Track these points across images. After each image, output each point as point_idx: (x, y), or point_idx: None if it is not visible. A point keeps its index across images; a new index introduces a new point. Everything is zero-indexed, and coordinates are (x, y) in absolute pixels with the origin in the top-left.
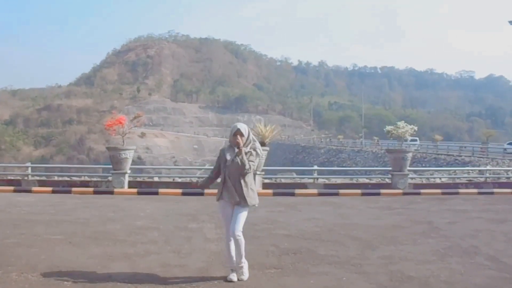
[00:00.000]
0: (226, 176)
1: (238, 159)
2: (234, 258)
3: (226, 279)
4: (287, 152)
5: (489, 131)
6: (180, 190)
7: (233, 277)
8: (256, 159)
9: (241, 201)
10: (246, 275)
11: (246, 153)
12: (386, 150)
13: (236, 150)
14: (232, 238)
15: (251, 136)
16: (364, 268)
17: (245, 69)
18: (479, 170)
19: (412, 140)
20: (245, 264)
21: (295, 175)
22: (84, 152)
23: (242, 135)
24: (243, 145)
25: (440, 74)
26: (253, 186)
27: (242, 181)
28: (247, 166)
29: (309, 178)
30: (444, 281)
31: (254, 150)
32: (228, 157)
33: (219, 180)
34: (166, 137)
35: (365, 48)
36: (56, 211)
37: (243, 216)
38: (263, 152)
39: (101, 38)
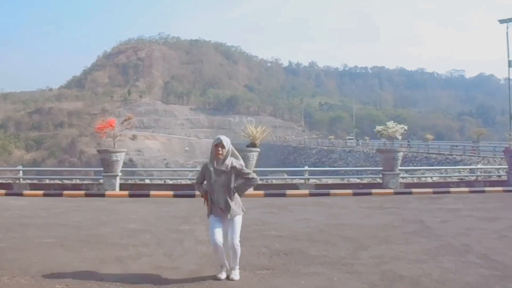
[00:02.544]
0: (212, 193)
1: (219, 180)
2: (225, 258)
3: (215, 277)
4: (279, 153)
5: (480, 130)
6: (171, 192)
7: (222, 275)
8: (244, 168)
9: (229, 214)
10: (237, 276)
11: (234, 168)
12: (377, 150)
13: (217, 172)
14: (219, 245)
15: (232, 149)
16: (356, 268)
17: (236, 70)
18: (470, 169)
19: (349, 139)
20: (237, 267)
21: (286, 176)
22: (76, 155)
23: (223, 147)
24: (223, 157)
25: (430, 73)
26: (238, 198)
27: (227, 196)
28: (254, 182)
29: (300, 178)
30: (436, 280)
31: (240, 165)
32: (213, 176)
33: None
34: (158, 139)
35: (355, 48)
36: (48, 215)
37: (238, 224)
38: (253, 153)
39: (92, 41)
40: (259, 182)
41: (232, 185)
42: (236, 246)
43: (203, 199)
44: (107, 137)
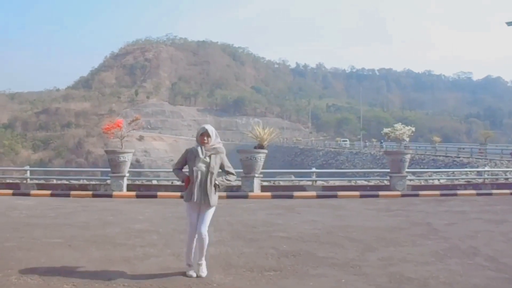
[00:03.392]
0: (195, 177)
1: (205, 162)
2: (193, 255)
3: (185, 275)
4: (286, 155)
5: (487, 132)
6: (178, 193)
7: (193, 273)
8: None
9: (206, 201)
10: (205, 272)
11: (215, 154)
12: (384, 152)
13: (205, 154)
14: (196, 236)
15: (218, 139)
16: (363, 270)
17: (243, 71)
18: (478, 171)
19: (343, 141)
20: (203, 262)
21: (293, 178)
22: (83, 156)
23: (209, 136)
24: (209, 145)
25: (438, 75)
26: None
27: (208, 182)
28: (232, 178)
29: (307, 180)
30: (443, 282)
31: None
32: (197, 159)
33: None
34: (164, 140)
35: (363, 50)
36: (55, 215)
37: (210, 215)
38: (261, 155)
39: (99, 42)
40: (236, 181)
41: (216, 172)
42: (204, 236)
43: (183, 184)
44: (114, 138)
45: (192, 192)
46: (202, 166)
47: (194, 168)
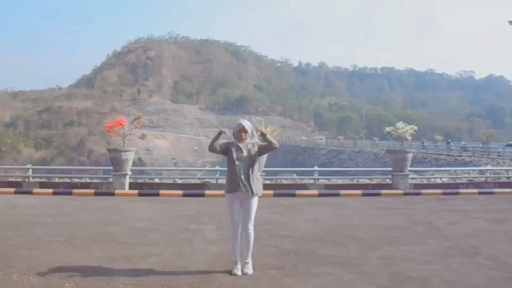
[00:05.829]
0: (235, 169)
1: (245, 153)
2: (239, 252)
3: (230, 273)
4: (288, 153)
5: (489, 131)
6: (180, 191)
7: (238, 271)
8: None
9: (249, 191)
10: (251, 270)
11: (252, 145)
12: (386, 151)
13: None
14: (240, 231)
15: (254, 132)
16: (365, 269)
17: (245, 70)
18: (480, 170)
19: (320, 138)
20: (250, 260)
21: (295, 176)
22: (85, 154)
23: (246, 131)
24: (247, 141)
25: (440, 74)
26: (258, 176)
27: (250, 172)
28: (274, 143)
29: (309, 178)
30: (445, 281)
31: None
32: (236, 152)
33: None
34: (167, 139)
35: (365, 49)
36: (57, 213)
37: (254, 208)
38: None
39: (102, 40)
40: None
41: (256, 160)
42: (250, 231)
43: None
44: (116, 136)
45: (235, 183)
46: (243, 157)
47: (235, 160)
